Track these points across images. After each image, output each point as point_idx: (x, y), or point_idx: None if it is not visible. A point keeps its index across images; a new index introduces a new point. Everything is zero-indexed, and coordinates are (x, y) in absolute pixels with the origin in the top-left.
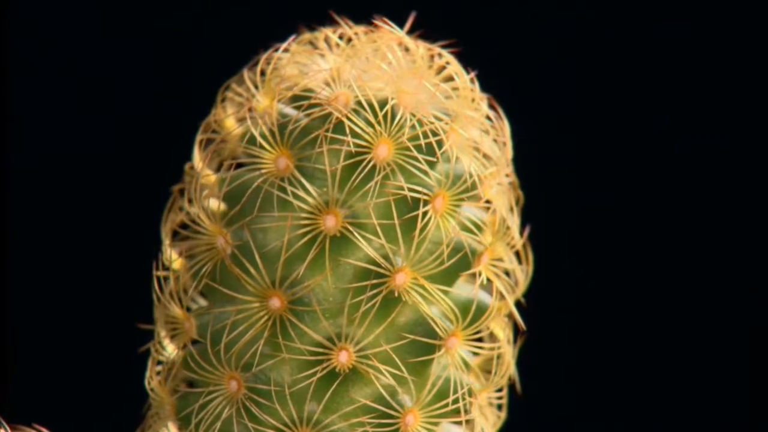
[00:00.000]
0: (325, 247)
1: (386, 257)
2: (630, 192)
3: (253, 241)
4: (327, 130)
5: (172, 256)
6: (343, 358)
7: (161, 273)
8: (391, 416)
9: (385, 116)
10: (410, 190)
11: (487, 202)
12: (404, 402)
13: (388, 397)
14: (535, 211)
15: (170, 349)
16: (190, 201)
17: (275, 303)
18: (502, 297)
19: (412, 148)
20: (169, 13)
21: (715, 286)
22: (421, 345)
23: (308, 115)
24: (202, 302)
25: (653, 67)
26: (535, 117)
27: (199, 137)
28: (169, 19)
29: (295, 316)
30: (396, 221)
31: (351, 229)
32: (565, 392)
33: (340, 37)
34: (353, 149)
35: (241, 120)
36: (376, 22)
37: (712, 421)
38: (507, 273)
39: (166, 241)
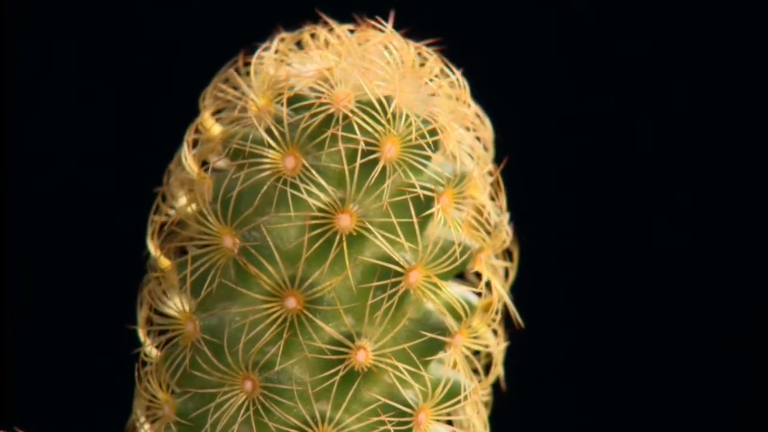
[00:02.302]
0: (343, 246)
1: (400, 255)
2: (628, 192)
3: (262, 240)
4: (337, 129)
5: (167, 258)
6: (361, 357)
7: (158, 274)
8: (405, 414)
9: (392, 114)
10: (421, 188)
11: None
12: (417, 400)
13: (404, 395)
14: (526, 210)
15: (168, 351)
16: (169, 203)
17: (291, 302)
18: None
19: (425, 146)
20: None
21: (713, 285)
22: (425, 343)
23: (314, 114)
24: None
25: (652, 69)
26: (532, 115)
27: (189, 137)
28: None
29: (312, 315)
30: (414, 219)
31: (369, 227)
32: (558, 390)
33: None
34: (364, 148)
35: (236, 120)
36: (365, 20)
37: (709, 423)
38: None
39: (155, 242)
